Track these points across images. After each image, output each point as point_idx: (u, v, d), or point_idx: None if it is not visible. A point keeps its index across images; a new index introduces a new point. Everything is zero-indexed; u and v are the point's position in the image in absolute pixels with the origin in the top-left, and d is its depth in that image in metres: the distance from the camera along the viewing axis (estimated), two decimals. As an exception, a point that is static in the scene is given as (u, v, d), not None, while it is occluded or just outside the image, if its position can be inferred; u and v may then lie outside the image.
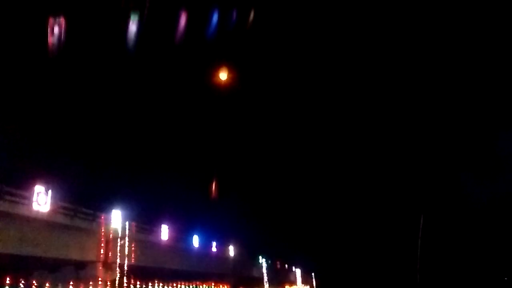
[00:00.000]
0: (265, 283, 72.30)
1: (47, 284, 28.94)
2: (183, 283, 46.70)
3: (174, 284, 44.88)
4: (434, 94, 47.51)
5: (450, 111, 48.29)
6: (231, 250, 60.83)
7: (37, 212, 26.54)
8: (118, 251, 33.70)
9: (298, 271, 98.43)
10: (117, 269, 33.34)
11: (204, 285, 51.25)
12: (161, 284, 41.64)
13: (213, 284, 53.56)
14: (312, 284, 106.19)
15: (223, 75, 34.52)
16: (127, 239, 34.89)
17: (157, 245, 41.38)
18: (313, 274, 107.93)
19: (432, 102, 48.92)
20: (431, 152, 52.35)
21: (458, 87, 46.19)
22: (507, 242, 48.16)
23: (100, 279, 32.04)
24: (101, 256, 32.42)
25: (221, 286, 55.62)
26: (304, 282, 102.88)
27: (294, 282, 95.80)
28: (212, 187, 54.60)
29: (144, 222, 39.87)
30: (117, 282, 33.15)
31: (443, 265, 51.50)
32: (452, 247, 52.58)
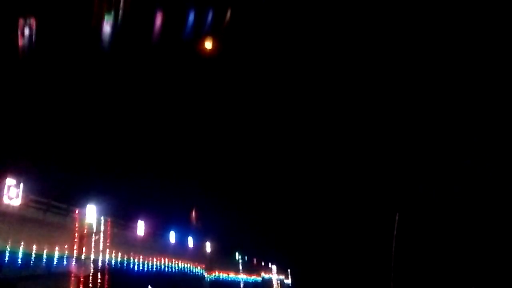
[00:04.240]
0: (241, 280, 72.53)
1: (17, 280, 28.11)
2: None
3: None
4: (410, 102, 48.45)
5: (426, 118, 49.27)
6: (208, 247, 60.54)
7: (8, 205, 25.71)
8: (92, 246, 33.03)
9: (274, 268, 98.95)
10: (91, 265, 32.66)
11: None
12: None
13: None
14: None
15: (208, 44, 34.22)
16: (101, 234, 34.25)
17: (132, 240, 40.75)
18: (288, 271, 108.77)
19: (407, 109, 49.84)
20: (406, 153, 53.22)
21: (431, 99, 47.28)
22: (477, 245, 49.41)
23: (73, 275, 31.30)
24: (75, 251, 31.67)
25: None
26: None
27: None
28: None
29: (120, 217, 39.21)
30: (90, 278, 32.47)
31: (418, 265, 52.42)
32: (427, 246, 53.57)
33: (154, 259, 44.29)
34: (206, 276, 57.63)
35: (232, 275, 69.22)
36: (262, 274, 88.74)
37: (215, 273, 61.08)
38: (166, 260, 46.73)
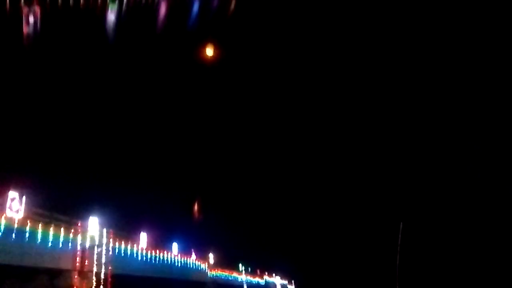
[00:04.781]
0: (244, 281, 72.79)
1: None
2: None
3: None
4: (415, 111, 48.39)
5: (431, 126, 49.16)
6: (211, 258, 60.26)
7: (11, 218, 25.60)
8: (94, 259, 32.84)
9: (278, 279, 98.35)
10: (93, 278, 32.44)
11: None
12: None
13: None
14: None
15: (208, 52, 34.30)
16: (104, 247, 34.06)
17: (135, 253, 40.54)
18: (293, 281, 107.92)
19: (412, 117, 49.75)
20: (410, 162, 53.03)
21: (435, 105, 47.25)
22: (482, 253, 49.04)
23: (75, 288, 31.10)
24: (77, 264, 31.47)
25: None
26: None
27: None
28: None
29: (122, 229, 39.02)
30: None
31: (423, 275, 52.01)
32: (431, 256, 53.15)
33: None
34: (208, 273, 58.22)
35: (235, 275, 69.71)
36: (265, 277, 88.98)
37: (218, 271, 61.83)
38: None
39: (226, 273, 66.67)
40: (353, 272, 72.49)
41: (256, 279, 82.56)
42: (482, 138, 45.71)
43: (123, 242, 38.59)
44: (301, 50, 45.49)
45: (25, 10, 24.80)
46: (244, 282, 73.77)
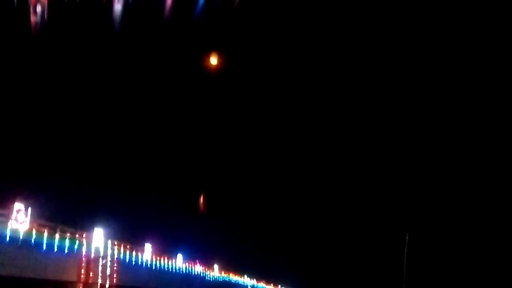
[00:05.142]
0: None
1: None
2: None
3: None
4: (424, 122, 48.22)
5: (438, 138, 48.97)
6: (216, 269, 60.01)
7: (16, 230, 25.65)
8: (99, 271, 32.75)
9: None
10: (98, 289, 32.38)
11: None
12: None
13: None
14: None
15: (213, 60, 34.36)
16: (109, 258, 33.98)
17: (140, 264, 40.41)
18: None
19: (420, 129, 49.57)
20: (416, 174, 52.77)
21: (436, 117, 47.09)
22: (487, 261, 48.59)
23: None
24: (82, 276, 31.40)
25: None
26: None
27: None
28: (197, 206, 53.90)
29: (127, 240, 38.93)
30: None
31: (429, 283, 51.53)
32: (438, 267, 52.68)
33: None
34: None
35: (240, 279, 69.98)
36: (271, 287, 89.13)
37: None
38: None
39: (234, 277, 66.92)
40: (360, 284, 71.88)
41: (262, 284, 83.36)
42: (488, 150, 45.50)
43: (127, 253, 38.54)
44: (302, 51, 45.29)
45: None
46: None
